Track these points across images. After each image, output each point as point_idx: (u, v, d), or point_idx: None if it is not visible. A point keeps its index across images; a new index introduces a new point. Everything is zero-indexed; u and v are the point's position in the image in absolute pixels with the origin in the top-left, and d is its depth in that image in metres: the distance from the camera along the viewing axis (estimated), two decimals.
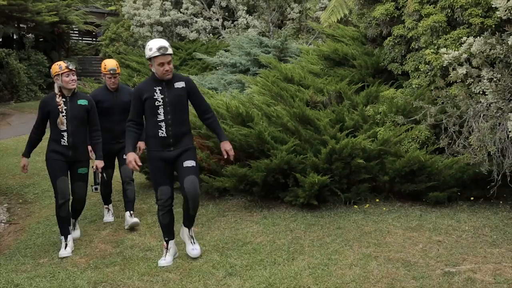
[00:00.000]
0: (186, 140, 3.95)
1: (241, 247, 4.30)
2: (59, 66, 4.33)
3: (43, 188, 6.69)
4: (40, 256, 4.31)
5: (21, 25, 19.42)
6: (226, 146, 4.02)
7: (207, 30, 14.04)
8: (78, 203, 4.60)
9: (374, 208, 5.20)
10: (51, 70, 4.41)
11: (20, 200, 6.30)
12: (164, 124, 3.85)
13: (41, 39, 21.02)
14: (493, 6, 4.69)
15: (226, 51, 10.38)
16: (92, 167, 4.60)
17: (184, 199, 3.96)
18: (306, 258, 4.02)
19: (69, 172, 4.46)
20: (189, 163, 3.89)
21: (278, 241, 4.41)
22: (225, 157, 4.05)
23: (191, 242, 4.14)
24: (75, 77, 4.37)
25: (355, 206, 5.27)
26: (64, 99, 4.38)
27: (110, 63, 5.05)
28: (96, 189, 4.72)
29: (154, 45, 3.79)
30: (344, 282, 3.57)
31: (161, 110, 3.84)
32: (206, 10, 14.05)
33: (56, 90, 4.38)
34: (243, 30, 13.21)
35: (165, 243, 4.06)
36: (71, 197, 4.48)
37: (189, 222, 4.13)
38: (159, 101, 3.84)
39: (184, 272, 3.86)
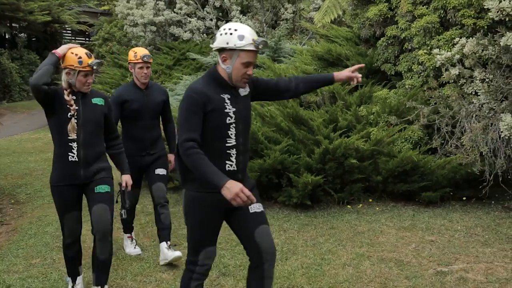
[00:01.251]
0: (247, 174, 2.75)
1: (234, 247, 4.30)
2: (78, 60, 3.10)
3: (36, 188, 6.65)
4: (32, 256, 4.28)
5: (13, 25, 19.31)
6: None
7: (201, 30, 14.02)
8: (101, 244, 3.21)
9: (367, 208, 5.22)
10: (64, 58, 3.14)
11: (12, 201, 6.25)
12: (235, 152, 2.57)
13: (33, 39, 20.91)
14: (485, 7, 4.72)
15: None
16: (120, 184, 3.47)
17: (253, 265, 2.64)
18: (300, 258, 4.02)
19: (84, 195, 3.32)
20: (258, 207, 2.67)
21: None
22: None
23: None
24: (92, 78, 3.21)
25: (348, 206, 5.28)
26: (74, 97, 3.17)
27: (141, 50, 4.09)
28: (125, 213, 3.57)
29: (248, 33, 2.48)
30: (337, 282, 3.58)
31: (232, 131, 2.54)
32: (200, 10, 14.03)
33: (65, 85, 3.16)
34: None
35: None
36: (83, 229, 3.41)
37: None
38: (231, 117, 2.53)
39: (177, 272, 3.85)
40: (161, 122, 4.30)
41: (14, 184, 6.93)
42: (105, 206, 3.19)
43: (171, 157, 4.18)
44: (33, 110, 14.95)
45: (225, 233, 4.67)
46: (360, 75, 2.78)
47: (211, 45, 2.61)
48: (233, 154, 2.56)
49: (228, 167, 2.55)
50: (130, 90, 4.07)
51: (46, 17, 18.19)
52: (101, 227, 3.16)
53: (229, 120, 2.53)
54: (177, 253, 3.89)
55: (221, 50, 2.51)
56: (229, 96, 2.54)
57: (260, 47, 2.48)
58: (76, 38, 25.53)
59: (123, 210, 3.53)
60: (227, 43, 2.47)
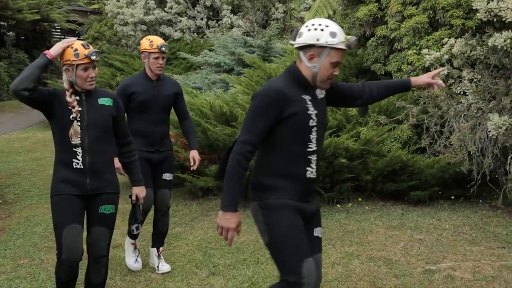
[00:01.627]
0: None
1: (224, 247, 4.30)
2: (74, 53, 2.76)
3: (24, 188, 6.60)
4: (20, 257, 4.24)
5: (1, 23, 19.11)
6: None
7: (192, 29, 14.00)
8: (95, 269, 2.92)
9: (357, 207, 5.24)
10: (63, 54, 2.80)
11: (0, 201, 6.20)
12: (315, 158, 2.35)
13: (22, 37, 20.70)
14: (473, 8, 4.76)
15: (210, 50, 10.35)
16: (130, 197, 3.14)
17: None
18: None
19: (86, 212, 2.94)
20: (321, 232, 2.48)
21: (261, 240, 4.41)
22: None
23: None
24: (96, 72, 2.84)
25: (338, 205, 5.30)
26: (77, 97, 2.84)
27: (157, 39, 3.75)
28: (137, 228, 3.18)
29: (339, 30, 2.27)
30: (327, 281, 3.59)
31: (314, 135, 2.32)
32: (190, 9, 14.00)
33: (66, 85, 2.84)
34: (227, 30, 13.21)
35: None
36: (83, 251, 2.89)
37: None
38: (313, 119, 2.31)
39: (167, 272, 3.84)
40: (169, 119, 3.96)
41: (2, 184, 6.86)
42: (105, 230, 2.89)
43: (195, 153, 3.88)
44: (22, 109, 14.80)
45: (215, 232, 4.67)
46: (442, 82, 2.56)
47: (291, 42, 2.34)
48: (314, 160, 2.34)
49: (309, 174, 2.33)
50: (139, 80, 3.77)
51: (35, 16, 18.03)
52: (97, 252, 2.90)
53: (312, 122, 2.30)
54: (165, 269, 3.86)
55: (307, 47, 2.26)
56: (310, 98, 2.31)
57: (351, 46, 2.29)
58: (66, 37, 25.34)
59: (134, 226, 3.16)
60: (318, 40, 2.23)
